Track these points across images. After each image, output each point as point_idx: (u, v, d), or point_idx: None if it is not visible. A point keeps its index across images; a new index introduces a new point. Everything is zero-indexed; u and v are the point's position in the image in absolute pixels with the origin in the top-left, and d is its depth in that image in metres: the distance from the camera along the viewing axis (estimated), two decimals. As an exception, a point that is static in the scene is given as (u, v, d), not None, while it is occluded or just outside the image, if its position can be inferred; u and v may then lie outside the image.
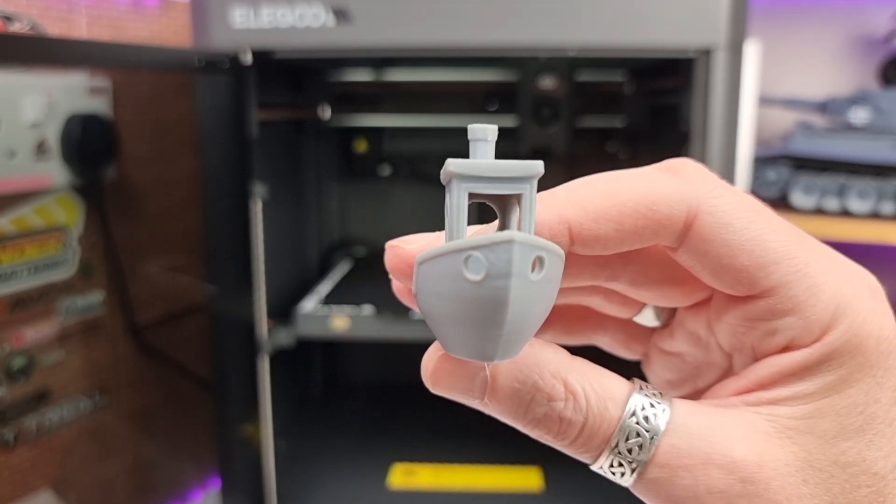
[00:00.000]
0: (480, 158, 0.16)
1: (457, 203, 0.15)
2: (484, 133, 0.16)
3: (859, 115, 0.95)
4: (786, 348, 0.18)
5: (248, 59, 0.66)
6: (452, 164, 0.15)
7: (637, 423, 0.17)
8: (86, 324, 0.74)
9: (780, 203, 0.98)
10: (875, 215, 0.93)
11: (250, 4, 0.64)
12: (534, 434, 0.18)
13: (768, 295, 0.17)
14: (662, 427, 0.17)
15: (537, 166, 0.16)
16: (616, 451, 0.17)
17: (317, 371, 1.05)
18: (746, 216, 0.17)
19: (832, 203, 0.94)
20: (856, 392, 0.17)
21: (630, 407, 0.17)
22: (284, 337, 0.75)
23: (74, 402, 0.73)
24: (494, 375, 0.18)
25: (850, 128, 0.96)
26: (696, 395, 0.22)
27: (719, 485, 0.16)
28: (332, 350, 1.07)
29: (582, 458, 0.18)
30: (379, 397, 1.05)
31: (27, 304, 0.68)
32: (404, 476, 0.84)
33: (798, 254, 0.17)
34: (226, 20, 0.64)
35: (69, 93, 0.69)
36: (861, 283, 0.18)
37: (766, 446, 0.17)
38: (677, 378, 0.23)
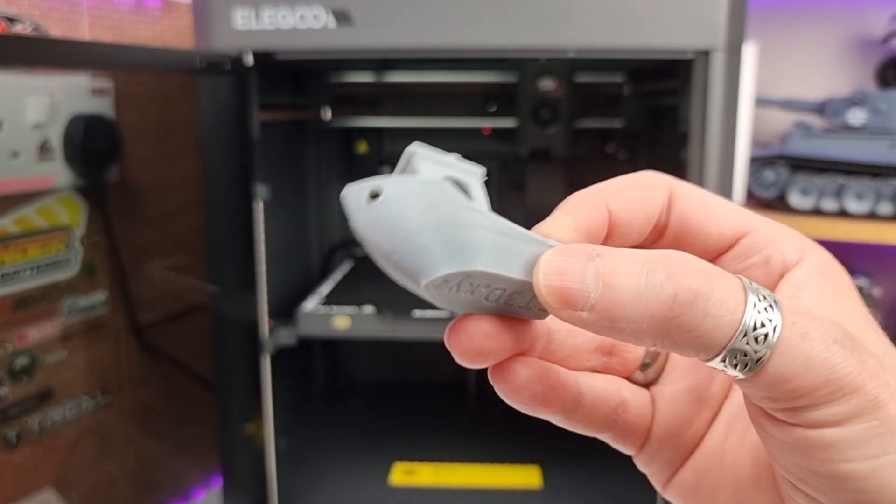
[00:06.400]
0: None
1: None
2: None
3: (857, 116, 0.95)
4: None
5: (249, 60, 0.66)
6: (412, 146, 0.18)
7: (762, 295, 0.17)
8: (88, 323, 0.74)
9: (779, 204, 0.98)
10: (873, 216, 0.93)
11: (252, 6, 0.64)
12: (660, 323, 0.17)
13: (747, 235, 0.21)
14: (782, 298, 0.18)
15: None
16: (754, 310, 0.17)
17: (318, 370, 1.06)
18: (708, 196, 0.22)
19: (830, 204, 0.95)
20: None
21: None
22: (286, 336, 0.76)
23: (77, 401, 0.74)
24: (606, 263, 0.17)
25: (847, 129, 0.96)
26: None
27: (840, 333, 0.17)
28: (333, 349, 1.08)
29: (717, 335, 0.17)
30: (380, 396, 1.05)
31: (30, 304, 0.68)
32: (405, 474, 0.84)
33: (758, 222, 0.22)
34: (227, 22, 0.65)
35: (72, 94, 0.69)
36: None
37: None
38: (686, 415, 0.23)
